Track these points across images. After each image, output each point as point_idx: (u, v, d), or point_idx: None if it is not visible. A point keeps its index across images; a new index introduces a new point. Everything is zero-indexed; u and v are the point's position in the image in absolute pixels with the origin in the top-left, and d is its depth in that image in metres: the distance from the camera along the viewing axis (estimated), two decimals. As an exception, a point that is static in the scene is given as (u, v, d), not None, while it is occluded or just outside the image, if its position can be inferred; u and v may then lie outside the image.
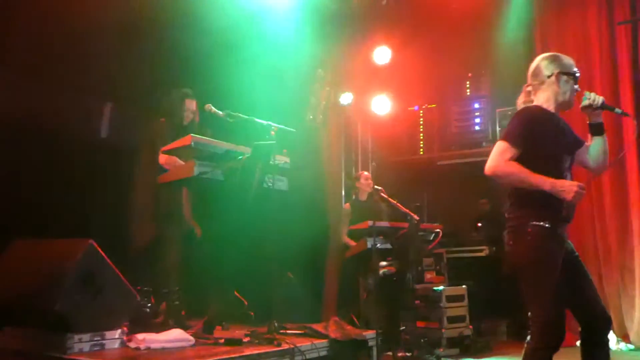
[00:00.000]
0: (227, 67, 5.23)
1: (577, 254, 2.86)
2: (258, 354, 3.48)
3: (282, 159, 4.23)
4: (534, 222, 2.71)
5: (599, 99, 2.84)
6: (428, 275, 6.43)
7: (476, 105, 7.43)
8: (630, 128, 5.78)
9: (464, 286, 6.04)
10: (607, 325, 2.81)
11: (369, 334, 4.48)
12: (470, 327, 5.88)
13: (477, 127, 7.39)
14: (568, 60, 2.94)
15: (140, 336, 3.53)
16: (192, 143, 3.85)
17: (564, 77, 2.88)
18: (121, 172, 4.65)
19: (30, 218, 4.07)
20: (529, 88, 2.98)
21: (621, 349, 5.58)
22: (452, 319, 5.74)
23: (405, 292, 5.45)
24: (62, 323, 3.14)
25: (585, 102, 2.85)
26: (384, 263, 5.47)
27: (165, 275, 4.23)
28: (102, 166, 4.67)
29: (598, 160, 2.97)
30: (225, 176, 3.99)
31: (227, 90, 5.01)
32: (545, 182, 2.66)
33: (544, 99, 2.91)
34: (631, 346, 5.58)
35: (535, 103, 2.93)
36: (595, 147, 2.96)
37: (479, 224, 7.35)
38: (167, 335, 3.65)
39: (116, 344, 3.42)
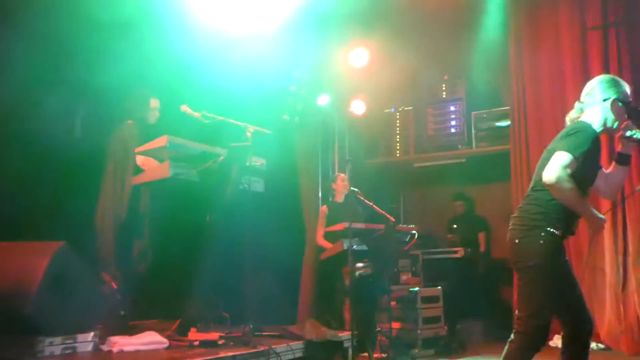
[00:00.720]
0: (202, 67, 5.20)
1: (567, 260, 2.93)
2: (233, 356, 3.47)
3: (258, 161, 4.23)
4: (550, 229, 2.75)
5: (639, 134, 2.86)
6: (404, 277, 6.47)
7: (452, 108, 7.50)
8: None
9: (439, 287, 6.09)
10: (592, 329, 2.88)
11: (345, 335, 4.50)
12: (446, 327, 5.93)
13: (452, 130, 7.46)
14: (626, 86, 2.94)
15: (113, 339, 3.49)
16: (168, 144, 3.82)
17: (618, 105, 2.86)
18: (95, 173, 4.59)
19: (1, 220, 3.99)
20: (581, 105, 2.99)
21: (592, 349, 5.67)
22: (428, 320, 5.78)
23: (381, 293, 5.48)
24: (32, 326, 3.09)
25: (628, 133, 2.87)
26: (360, 264, 5.48)
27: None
28: (76, 167, 4.61)
29: (614, 187, 3.04)
30: (200, 177, 3.97)
31: (203, 91, 4.99)
32: (587, 209, 2.75)
33: (593, 118, 2.89)
34: (602, 346, 5.67)
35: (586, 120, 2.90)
36: (616, 176, 3.00)
37: (455, 226, 7.42)
38: (140, 338, 3.62)
39: (89, 347, 3.39)
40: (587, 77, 6.15)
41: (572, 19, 6.31)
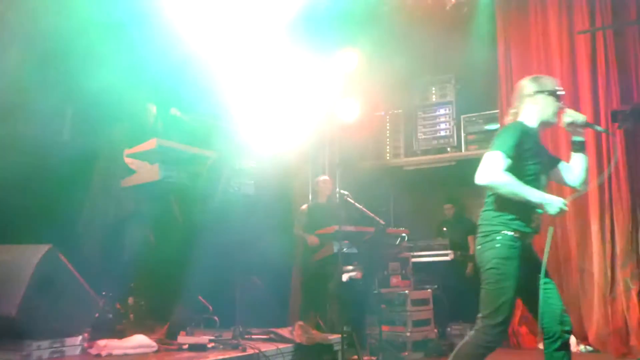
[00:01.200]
0: (194, 70, 5.19)
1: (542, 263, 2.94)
2: (222, 360, 3.46)
3: (248, 164, 4.22)
4: (505, 231, 2.85)
5: (582, 117, 2.96)
6: (394, 280, 6.47)
7: (442, 112, 7.54)
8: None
9: (429, 290, 6.10)
10: (569, 330, 2.89)
11: (335, 338, 4.50)
12: (435, 330, 5.95)
13: (442, 133, 7.50)
14: (549, 79, 3.09)
15: (102, 342, 3.47)
16: (157, 146, 3.81)
17: (543, 95, 3.01)
18: (84, 176, 4.57)
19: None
20: (514, 110, 3.11)
21: (580, 351, 5.70)
22: (417, 323, 5.79)
23: (371, 296, 5.48)
24: (20, 330, 3.07)
25: (568, 120, 2.97)
26: (349, 267, 5.49)
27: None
28: (65, 170, 4.58)
29: (579, 177, 3.09)
30: (190, 180, 3.96)
31: (193, 94, 4.97)
32: (535, 194, 2.80)
33: (527, 117, 3.03)
34: (590, 348, 5.70)
35: (519, 119, 3.05)
36: (576, 164, 3.08)
37: (444, 229, 7.45)
38: (129, 342, 3.60)
39: (77, 351, 3.36)
40: (575, 81, 6.22)
41: (560, 23, 6.36)
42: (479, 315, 2.89)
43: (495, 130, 6.85)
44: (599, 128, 3.10)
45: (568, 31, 6.30)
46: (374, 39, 6.85)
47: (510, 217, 2.87)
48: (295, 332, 4.29)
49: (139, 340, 3.64)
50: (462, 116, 7.36)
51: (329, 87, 7.08)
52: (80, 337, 3.39)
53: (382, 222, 5.28)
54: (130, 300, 4.11)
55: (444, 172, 7.42)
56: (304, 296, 6.09)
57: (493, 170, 2.79)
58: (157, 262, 4.16)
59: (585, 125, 3.00)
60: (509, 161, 2.79)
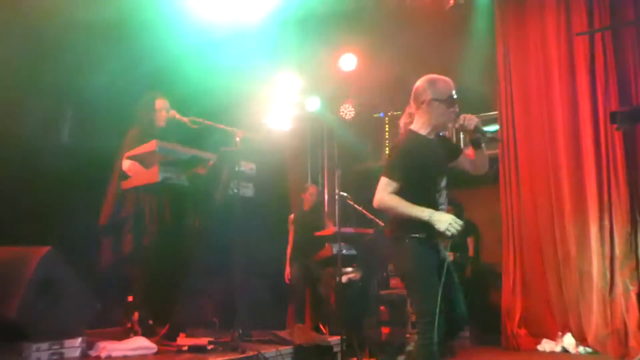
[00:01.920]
0: (193, 73, 5.19)
1: (450, 264, 3.06)
2: (222, 361, 3.46)
3: (247, 166, 4.22)
4: (412, 234, 2.97)
5: (471, 123, 3.08)
6: (393, 281, 6.47)
7: (440, 113, 7.53)
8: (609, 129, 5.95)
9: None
10: (462, 326, 3.11)
11: (334, 339, 4.50)
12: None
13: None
14: (443, 84, 3.18)
15: (101, 344, 3.47)
16: (157, 148, 3.81)
17: (436, 104, 3.10)
18: (82, 178, 4.56)
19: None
20: (411, 110, 3.23)
21: (580, 353, 5.71)
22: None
23: (370, 297, 5.48)
24: (19, 332, 3.06)
25: (457, 125, 3.12)
26: (349, 269, 5.49)
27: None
28: (63, 172, 4.58)
29: (478, 167, 3.27)
30: (190, 182, 3.96)
31: (192, 96, 4.97)
32: (424, 214, 2.90)
33: (420, 124, 3.15)
34: (589, 349, 5.70)
35: (412, 127, 3.17)
36: (478, 158, 3.24)
37: (444, 230, 7.43)
38: (129, 344, 3.60)
39: (76, 353, 3.36)
40: (574, 82, 6.22)
41: (559, 25, 6.36)
42: (417, 318, 2.98)
43: (495, 132, 6.87)
44: (488, 134, 3.20)
45: (566, 32, 6.30)
46: (373, 40, 6.86)
47: (413, 221, 2.94)
48: (294, 334, 4.29)
49: (139, 342, 3.64)
50: (462, 114, 7.34)
51: (328, 89, 7.09)
52: (79, 339, 3.39)
53: (381, 223, 5.29)
54: (136, 315, 4.10)
55: (442, 173, 7.41)
56: (304, 298, 6.10)
57: (380, 195, 2.97)
58: (157, 264, 4.15)
59: (475, 130, 3.10)
60: (395, 184, 2.96)
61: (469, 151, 3.26)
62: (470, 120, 3.08)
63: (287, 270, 6.13)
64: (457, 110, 3.14)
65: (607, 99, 5.97)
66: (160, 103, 4.42)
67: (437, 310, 2.84)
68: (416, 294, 3.00)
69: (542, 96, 6.41)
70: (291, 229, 6.10)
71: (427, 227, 2.93)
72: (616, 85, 5.97)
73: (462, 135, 6.69)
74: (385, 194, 2.96)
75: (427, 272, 2.95)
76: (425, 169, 3.04)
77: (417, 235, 2.95)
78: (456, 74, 7.46)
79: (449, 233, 2.87)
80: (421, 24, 6.74)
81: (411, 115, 3.21)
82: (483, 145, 3.19)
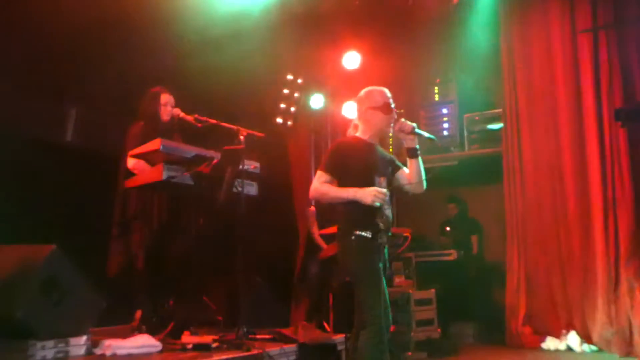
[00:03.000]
0: (196, 71, 5.20)
1: (388, 266, 3.29)
2: (226, 359, 3.47)
3: (251, 164, 4.22)
4: (357, 232, 3.11)
5: (409, 126, 3.25)
6: (397, 279, 6.47)
7: (444, 111, 7.52)
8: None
9: (432, 290, 6.09)
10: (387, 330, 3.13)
11: (338, 338, 4.50)
12: (439, 330, 5.94)
13: (445, 132, 7.48)
14: (379, 93, 3.36)
15: (106, 342, 3.48)
16: (161, 147, 3.81)
17: (371, 111, 3.32)
18: (87, 176, 4.58)
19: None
20: (355, 121, 3.43)
21: (584, 351, 5.70)
22: (421, 323, 5.78)
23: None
24: (24, 330, 3.08)
25: (396, 128, 3.29)
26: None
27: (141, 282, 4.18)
28: (68, 170, 4.59)
29: (414, 180, 3.37)
30: (194, 181, 3.96)
31: (197, 95, 4.98)
32: (349, 192, 3.13)
33: (361, 131, 3.38)
34: (594, 347, 5.70)
35: (357, 133, 3.39)
36: (410, 169, 3.38)
37: (447, 228, 7.44)
38: (133, 341, 3.61)
39: (82, 351, 3.37)
40: (578, 80, 6.21)
41: (563, 22, 6.35)
42: (363, 316, 3.04)
43: (499, 129, 6.86)
44: (426, 135, 3.36)
45: (570, 30, 6.28)
46: (377, 37, 6.85)
47: (357, 218, 3.12)
48: (298, 332, 4.30)
49: (143, 340, 3.65)
50: (464, 115, 7.35)
51: (332, 87, 7.08)
52: (84, 337, 3.40)
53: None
54: (139, 313, 4.10)
55: (446, 171, 7.40)
56: (308, 296, 6.09)
57: (314, 185, 3.20)
58: (161, 262, 4.16)
59: (414, 133, 3.27)
60: (328, 176, 3.19)
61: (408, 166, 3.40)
62: (406, 125, 3.26)
63: (299, 265, 6.10)
64: (395, 117, 3.32)
65: (611, 96, 5.96)
66: (165, 98, 4.42)
67: (382, 307, 3.01)
68: (364, 290, 3.07)
69: (546, 93, 6.40)
70: (313, 221, 6.02)
71: (371, 227, 3.09)
72: (620, 83, 5.96)
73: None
74: (317, 183, 3.18)
75: (373, 272, 3.09)
76: (362, 166, 3.20)
77: (362, 233, 3.09)
78: (460, 72, 7.52)
79: (377, 204, 3.05)
80: (425, 21, 6.74)
81: (355, 127, 3.43)
82: (419, 156, 3.34)
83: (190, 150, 4.00)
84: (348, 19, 6.76)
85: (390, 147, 7.43)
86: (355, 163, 3.20)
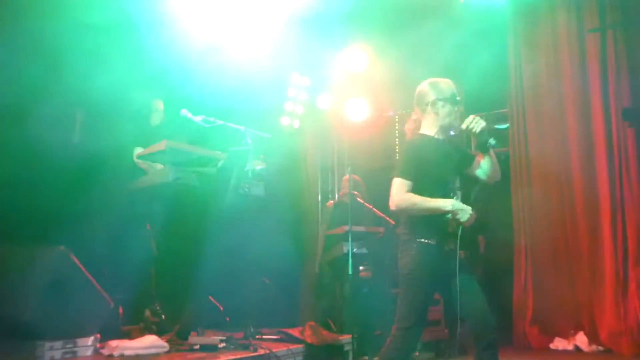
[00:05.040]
0: (203, 72, 5.21)
1: (469, 269, 3.06)
2: (233, 360, 3.48)
3: (258, 165, 4.23)
4: (420, 239, 2.95)
5: (478, 125, 3.03)
6: (404, 280, 6.45)
7: (451, 111, 7.50)
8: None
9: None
10: (492, 332, 3.01)
11: (345, 338, 4.50)
12: (446, 330, 5.92)
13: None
14: (446, 84, 3.16)
15: (113, 343, 3.50)
16: (167, 148, 3.82)
17: (440, 103, 3.08)
18: (94, 177, 4.59)
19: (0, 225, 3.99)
20: (416, 116, 3.21)
21: (593, 351, 5.67)
22: (428, 323, 5.75)
23: (381, 296, 5.47)
24: (32, 331, 3.09)
25: (464, 126, 3.06)
26: (360, 268, 5.48)
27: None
28: (75, 172, 4.61)
29: (488, 173, 3.18)
30: (200, 181, 3.97)
31: (203, 96, 4.99)
32: (446, 204, 2.90)
33: (426, 125, 3.13)
34: (602, 348, 5.67)
35: (421, 130, 3.15)
36: (484, 164, 3.17)
37: (454, 228, 7.41)
38: (141, 342, 3.62)
39: (89, 351, 3.39)
40: (585, 79, 6.18)
41: (570, 22, 6.32)
42: (396, 321, 2.99)
43: (505, 129, 6.84)
44: (491, 141, 3.12)
45: (577, 29, 6.26)
46: (383, 38, 6.84)
47: (424, 226, 2.96)
48: (305, 333, 4.30)
49: (151, 341, 3.66)
50: (471, 115, 7.32)
51: (337, 87, 7.08)
52: (92, 338, 3.41)
53: (391, 222, 5.28)
54: (147, 312, 4.12)
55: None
56: (315, 297, 6.09)
57: (396, 196, 2.92)
58: (168, 263, 4.17)
59: (481, 135, 3.06)
60: (410, 183, 2.92)
61: (479, 157, 3.21)
62: (478, 122, 3.04)
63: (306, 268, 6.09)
64: (462, 110, 3.13)
65: (619, 96, 5.93)
66: (156, 104, 4.48)
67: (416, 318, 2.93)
68: (404, 298, 2.99)
69: (553, 93, 6.38)
70: (327, 218, 6.00)
71: (439, 233, 2.93)
72: (628, 82, 5.93)
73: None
74: (402, 193, 2.91)
75: (423, 283, 2.95)
76: (436, 168, 3.00)
77: (426, 240, 2.94)
78: (466, 72, 7.49)
79: (469, 223, 2.89)
80: (431, 21, 6.72)
81: (417, 121, 3.20)
82: (491, 150, 3.14)
83: (197, 151, 4.01)
84: (355, 19, 6.75)
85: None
86: (429, 164, 2.98)
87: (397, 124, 7.93)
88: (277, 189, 4.76)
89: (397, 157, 3.07)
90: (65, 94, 4.67)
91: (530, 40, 6.59)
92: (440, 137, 3.13)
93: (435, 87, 3.13)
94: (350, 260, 4.83)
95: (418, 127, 3.19)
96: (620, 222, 5.80)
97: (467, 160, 3.20)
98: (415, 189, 2.93)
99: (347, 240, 4.91)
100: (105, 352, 3.46)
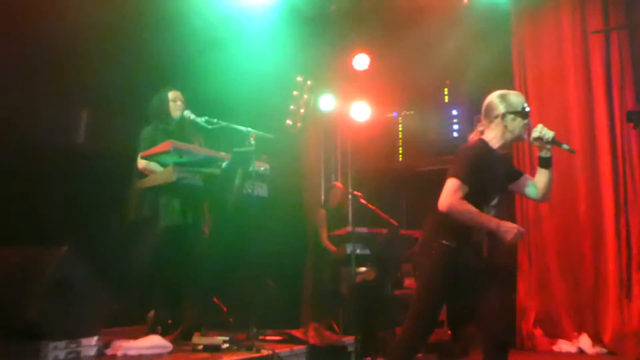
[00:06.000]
0: (206, 73, 5.21)
1: (492, 271, 3.08)
2: (237, 361, 3.48)
3: (261, 165, 4.23)
4: (441, 241, 2.93)
5: (550, 134, 2.98)
6: (407, 281, 6.45)
7: (454, 112, 7.51)
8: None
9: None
10: (506, 336, 3.09)
11: (348, 340, 4.50)
12: (449, 332, 5.92)
13: (455, 134, 7.47)
14: (517, 97, 3.07)
15: (117, 343, 3.50)
16: (172, 148, 3.83)
17: (511, 116, 3.01)
18: (99, 178, 4.61)
19: (4, 225, 4.00)
20: (481, 127, 3.14)
21: (596, 354, 5.66)
22: (431, 324, 5.75)
23: (384, 298, 5.48)
24: (36, 331, 3.10)
25: (535, 135, 3.00)
26: (363, 269, 5.49)
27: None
28: (80, 172, 4.62)
29: (543, 190, 3.12)
30: (204, 182, 3.98)
31: (206, 97, 5.00)
32: (492, 223, 2.84)
33: (492, 136, 3.06)
34: (605, 350, 5.66)
35: (484, 138, 3.08)
36: (541, 179, 3.12)
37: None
38: (144, 342, 3.63)
39: (93, 352, 3.39)
40: (589, 81, 6.17)
41: (574, 23, 6.31)
42: (407, 320, 3.00)
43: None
44: (565, 146, 3.09)
45: (582, 31, 6.25)
46: (386, 39, 6.84)
47: (450, 228, 2.91)
48: (308, 334, 4.30)
49: (154, 341, 3.67)
50: (475, 116, 7.29)
51: (341, 89, 7.08)
52: (95, 338, 3.42)
53: (395, 223, 5.28)
54: (152, 314, 4.12)
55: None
56: (318, 298, 6.10)
57: (451, 198, 2.83)
58: (172, 263, 4.18)
59: (553, 142, 3.01)
60: (467, 188, 2.84)
61: (529, 175, 3.19)
62: (548, 131, 2.99)
63: (309, 269, 6.11)
64: (530, 123, 3.06)
65: (623, 98, 5.93)
66: (173, 94, 4.42)
67: (427, 320, 2.96)
68: (419, 298, 3.01)
69: (557, 95, 6.37)
70: (323, 224, 6.04)
71: (461, 237, 2.91)
72: (632, 84, 5.92)
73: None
74: (456, 198, 2.82)
75: (439, 286, 2.95)
76: (485, 182, 2.95)
77: (446, 242, 2.92)
78: (470, 73, 7.49)
79: (512, 243, 2.84)
80: (435, 22, 6.72)
81: (481, 133, 3.14)
82: (552, 166, 3.10)
83: (201, 152, 4.02)
84: (357, 20, 6.76)
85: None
86: (484, 175, 2.92)
87: (400, 125, 7.93)
88: (280, 190, 4.76)
89: (454, 160, 2.96)
90: (71, 93, 4.69)
91: (534, 42, 6.58)
92: (504, 150, 3.08)
93: (506, 99, 3.06)
94: (353, 261, 4.84)
95: (482, 136, 3.14)
96: (624, 224, 5.79)
97: (514, 177, 3.20)
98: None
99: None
100: (108, 352, 3.47)
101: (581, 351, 5.75)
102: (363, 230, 5.31)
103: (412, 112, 7.88)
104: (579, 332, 5.86)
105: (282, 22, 5.90)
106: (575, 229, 6.09)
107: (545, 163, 3.09)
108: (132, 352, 3.48)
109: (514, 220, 6.50)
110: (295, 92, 6.76)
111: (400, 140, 7.89)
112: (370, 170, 7.69)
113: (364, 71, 6.98)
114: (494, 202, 3.06)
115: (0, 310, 3.15)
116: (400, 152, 7.86)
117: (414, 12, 6.70)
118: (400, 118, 7.94)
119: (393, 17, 6.81)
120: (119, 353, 3.44)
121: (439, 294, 2.99)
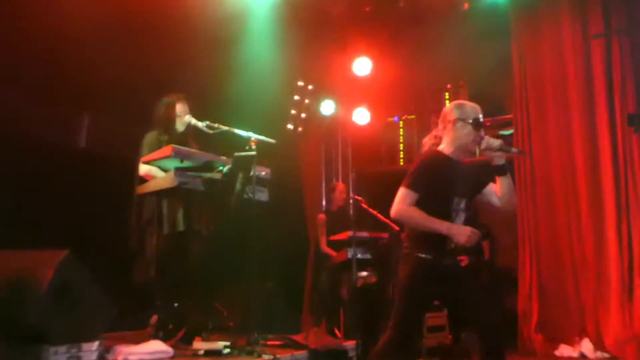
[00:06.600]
0: (207, 77, 5.23)
1: (473, 278, 3.18)
2: (238, 365, 3.48)
3: (262, 170, 4.24)
4: (418, 254, 3.03)
5: (496, 143, 3.09)
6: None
7: (455, 116, 7.50)
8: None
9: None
10: (499, 336, 3.04)
11: (349, 344, 4.49)
12: (450, 336, 5.91)
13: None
14: (472, 108, 3.21)
15: (118, 348, 3.50)
16: (173, 153, 3.83)
17: (461, 123, 3.13)
18: (100, 182, 4.61)
19: (5, 229, 4.00)
20: (437, 132, 3.25)
21: (598, 358, 5.64)
22: (432, 329, 5.75)
23: (385, 302, 5.47)
24: (37, 336, 3.09)
25: (483, 146, 3.11)
26: (364, 273, 5.48)
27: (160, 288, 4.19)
28: (81, 176, 4.63)
29: (504, 198, 3.18)
30: (205, 187, 3.98)
31: (208, 101, 5.01)
32: (442, 226, 2.95)
33: (445, 142, 3.18)
34: (607, 354, 5.64)
35: (439, 147, 3.19)
36: (502, 187, 3.17)
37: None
38: (145, 347, 3.62)
39: (94, 356, 3.38)
40: (590, 85, 6.17)
41: (574, 27, 6.32)
42: (388, 332, 3.08)
43: (510, 135, 6.84)
44: (514, 150, 3.22)
45: (582, 35, 6.25)
46: (387, 44, 6.86)
47: (423, 241, 3.02)
48: (309, 339, 4.30)
49: (155, 346, 3.66)
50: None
51: (341, 93, 7.10)
52: (96, 343, 3.41)
53: (396, 227, 5.28)
54: (154, 319, 4.12)
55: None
56: (319, 302, 6.09)
57: (399, 206, 2.98)
58: (173, 268, 4.18)
59: (501, 150, 3.10)
60: (415, 195, 2.97)
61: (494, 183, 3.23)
62: (493, 142, 3.11)
63: (310, 274, 6.09)
64: (483, 135, 3.16)
65: (624, 102, 5.93)
66: (180, 108, 4.43)
67: (405, 331, 3.04)
68: (398, 310, 3.07)
69: (558, 99, 6.37)
70: (322, 230, 6.02)
71: (437, 248, 3.00)
72: (633, 88, 5.92)
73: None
74: (404, 205, 2.97)
75: (415, 298, 3.05)
76: (442, 187, 3.05)
77: (423, 255, 3.01)
78: (471, 78, 7.50)
79: (469, 245, 2.90)
80: (435, 27, 6.73)
81: (436, 137, 3.25)
82: (507, 173, 3.16)
83: (202, 157, 4.03)
84: (358, 25, 6.77)
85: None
86: (437, 182, 3.03)
87: (401, 129, 7.94)
88: (281, 195, 4.77)
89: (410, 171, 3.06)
90: (73, 97, 4.70)
91: (535, 46, 6.58)
92: (455, 157, 3.16)
93: (460, 108, 3.19)
94: (354, 265, 4.83)
95: (437, 143, 3.24)
96: (625, 228, 5.78)
97: (479, 186, 3.25)
98: (419, 203, 2.98)
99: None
100: (109, 357, 3.46)
101: (583, 356, 5.73)
102: (364, 234, 5.31)
103: (412, 116, 7.89)
104: (581, 336, 5.84)
105: (283, 28, 5.91)
106: (576, 232, 6.08)
107: (500, 171, 3.15)
108: (133, 357, 3.48)
109: (515, 225, 6.53)
110: (296, 97, 6.77)
111: (401, 145, 7.90)
112: (371, 175, 7.69)
113: (365, 75, 6.99)
114: (462, 205, 3.13)
115: (1, 315, 3.14)
116: (401, 156, 7.87)
117: (415, 17, 6.72)
118: (401, 122, 7.95)
119: (394, 21, 6.83)
120: (120, 358, 3.43)
121: (415, 306, 3.08)
